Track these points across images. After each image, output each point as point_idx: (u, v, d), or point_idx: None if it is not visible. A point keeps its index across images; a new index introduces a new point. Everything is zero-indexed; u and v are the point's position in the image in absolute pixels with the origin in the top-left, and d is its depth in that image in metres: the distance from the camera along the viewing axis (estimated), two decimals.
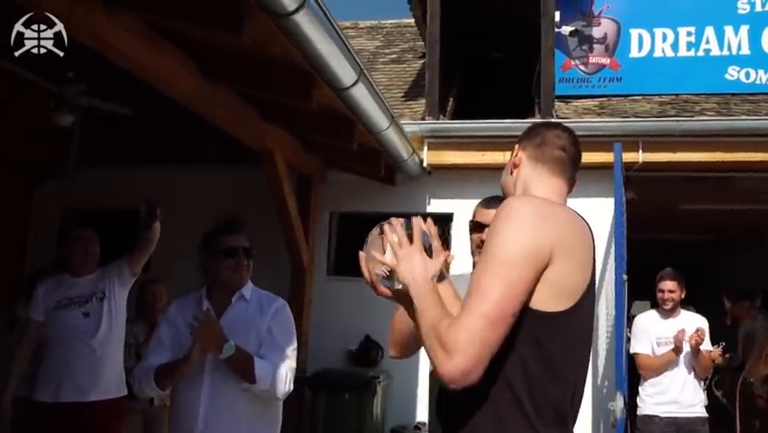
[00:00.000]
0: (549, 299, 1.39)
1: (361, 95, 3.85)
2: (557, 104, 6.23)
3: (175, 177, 6.33)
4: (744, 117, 5.51)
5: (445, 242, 6.13)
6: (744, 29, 6.25)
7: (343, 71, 3.50)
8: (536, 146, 1.64)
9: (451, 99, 7.09)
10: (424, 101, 6.59)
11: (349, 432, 5.05)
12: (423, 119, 6.19)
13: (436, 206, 6.13)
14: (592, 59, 6.52)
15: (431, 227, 1.54)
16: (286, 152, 5.03)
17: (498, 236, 1.39)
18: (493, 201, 2.27)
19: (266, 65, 3.66)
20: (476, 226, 2.29)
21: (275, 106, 4.28)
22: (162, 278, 5.05)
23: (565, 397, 1.44)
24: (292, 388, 2.42)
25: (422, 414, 5.65)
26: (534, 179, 1.60)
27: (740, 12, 6.30)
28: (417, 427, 5.32)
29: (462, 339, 1.30)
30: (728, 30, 6.28)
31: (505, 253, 1.36)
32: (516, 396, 1.36)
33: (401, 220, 1.55)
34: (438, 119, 6.21)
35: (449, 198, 6.07)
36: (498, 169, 6.39)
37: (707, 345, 4.29)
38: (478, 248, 2.25)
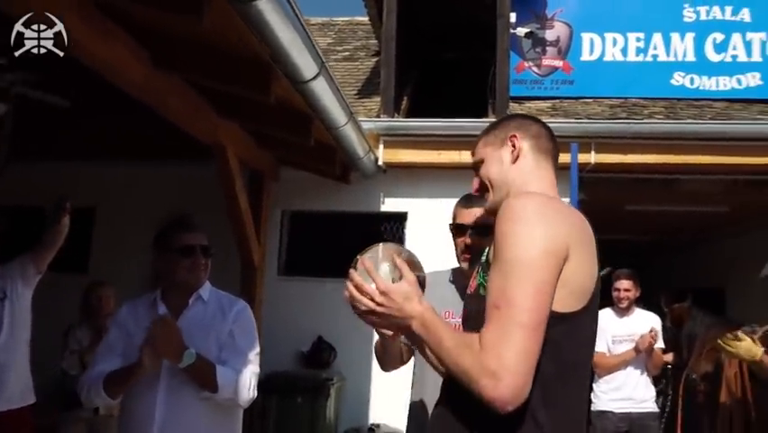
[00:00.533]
0: (566, 299, 1.31)
1: (321, 89, 3.73)
2: (511, 104, 6.27)
3: (120, 172, 6.07)
4: (690, 121, 5.68)
5: (400, 241, 6.11)
6: (689, 36, 6.45)
7: (305, 63, 3.38)
8: (534, 137, 1.57)
9: (405, 98, 7.04)
10: (377, 99, 6.52)
11: None
12: (378, 117, 6.11)
13: (390, 204, 6.07)
14: (545, 62, 6.59)
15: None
16: (238, 148, 4.85)
17: (512, 239, 1.30)
18: (474, 199, 2.08)
19: (223, 55, 3.49)
20: (458, 229, 2.11)
21: (230, 99, 4.11)
22: (107, 280, 4.78)
23: (579, 401, 1.39)
24: (256, 394, 2.29)
25: (375, 415, 5.58)
26: (535, 171, 1.54)
27: (686, 20, 6.49)
28: (371, 429, 5.23)
29: (506, 357, 1.21)
30: (675, 37, 6.46)
31: (525, 256, 1.27)
32: (530, 405, 1.26)
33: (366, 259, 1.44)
34: (393, 117, 6.15)
35: (403, 196, 6.02)
36: (454, 168, 6.33)
37: (658, 343, 4.39)
38: (463, 253, 2.08)
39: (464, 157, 5.69)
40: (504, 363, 1.20)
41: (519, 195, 1.43)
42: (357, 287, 1.39)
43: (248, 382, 2.26)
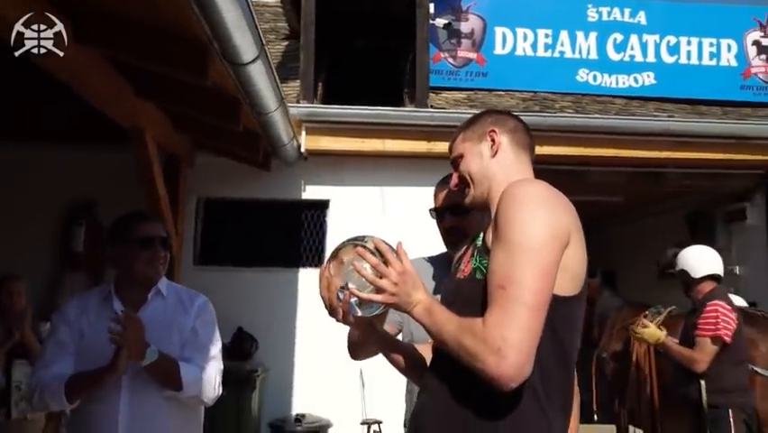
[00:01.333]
0: (566, 283, 1.37)
1: (258, 72, 3.59)
2: (429, 94, 6.35)
3: (14, 156, 5.56)
4: (598, 116, 6.03)
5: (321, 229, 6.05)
6: (592, 35, 6.82)
7: (246, 45, 3.23)
8: (511, 131, 1.62)
9: (320, 84, 6.94)
10: (292, 84, 6.38)
11: (228, 431, 4.75)
12: (298, 102, 5.98)
13: (312, 192, 5.99)
14: (460, 53, 6.74)
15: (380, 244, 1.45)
16: (156, 131, 4.58)
17: (518, 224, 1.34)
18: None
19: (155, 32, 3.26)
20: (438, 213, 2.08)
21: (154, 80, 3.86)
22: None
23: (569, 383, 1.44)
24: (221, 391, 2.20)
25: (299, 405, 5.52)
26: (515, 164, 1.59)
27: (590, 19, 6.86)
28: (298, 419, 5.17)
29: (511, 336, 1.25)
30: (580, 35, 6.82)
31: (531, 240, 1.32)
32: (530, 382, 1.31)
33: (374, 239, 1.44)
34: (312, 103, 6.05)
35: (325, 184, 5.95)
36: (378, 156, 6.31)
37: None
38: (450, 237, 2.05)
39: (388, 146, 5.79)
40: (508, 342, 1.25)
41: (519, 181, 1.46)
42: (376, 266, 1.38)
43: (213, 379, 2.18)
